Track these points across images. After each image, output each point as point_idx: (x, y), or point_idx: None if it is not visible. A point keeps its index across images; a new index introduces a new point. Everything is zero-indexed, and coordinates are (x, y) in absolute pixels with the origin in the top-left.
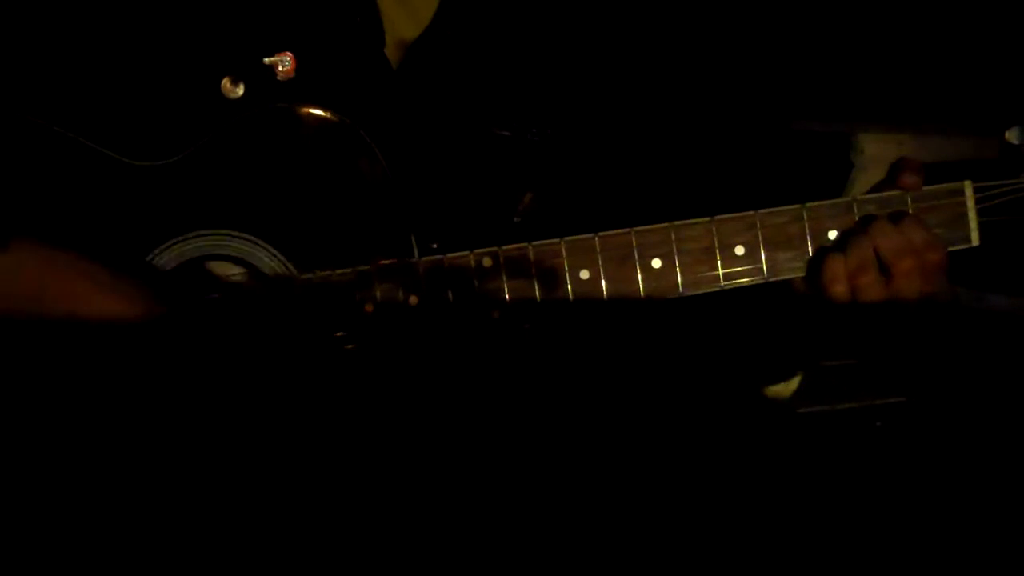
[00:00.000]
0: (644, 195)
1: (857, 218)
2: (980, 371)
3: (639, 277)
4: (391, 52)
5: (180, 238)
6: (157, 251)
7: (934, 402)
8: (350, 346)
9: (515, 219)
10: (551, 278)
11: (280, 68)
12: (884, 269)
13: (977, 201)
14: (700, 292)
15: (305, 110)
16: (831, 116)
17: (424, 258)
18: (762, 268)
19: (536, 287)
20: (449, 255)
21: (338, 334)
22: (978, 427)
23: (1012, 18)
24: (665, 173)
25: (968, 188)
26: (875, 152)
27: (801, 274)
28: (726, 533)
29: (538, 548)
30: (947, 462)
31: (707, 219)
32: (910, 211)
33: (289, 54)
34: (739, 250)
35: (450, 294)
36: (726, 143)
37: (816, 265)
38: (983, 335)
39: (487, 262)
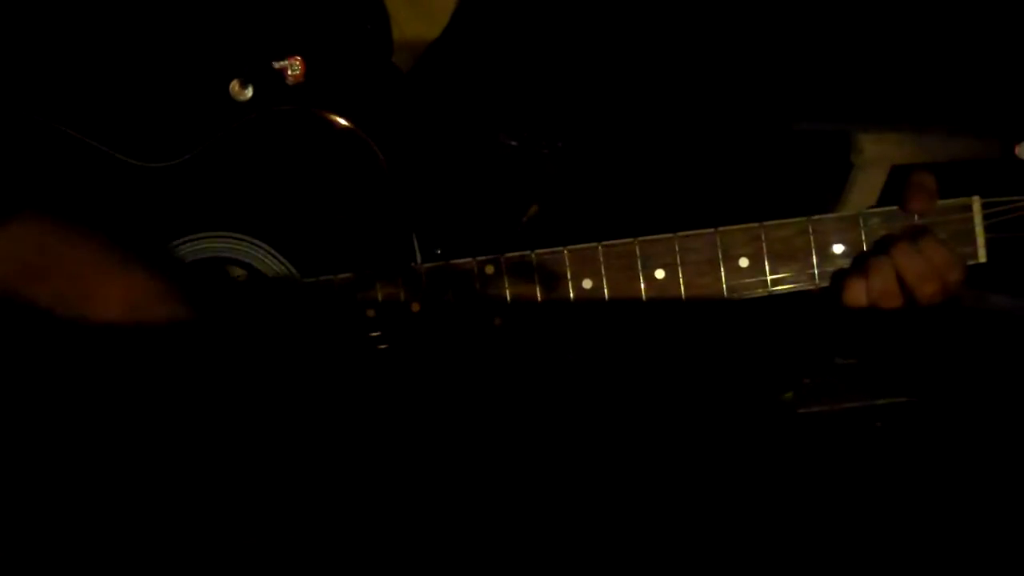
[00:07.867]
0: (649, 208)
1: (863, 232)
2: (982, 371)
3: (642, 287)
4: (401, 56)
5: (183, 240)
6: None
7: (935, 402)
8: (383, 346)
9: (519, 229)
10: (554, 287)
11: (290, 72)
12: (906, 290)
13: (985, 217)
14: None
15: (312, 114)
16: (831, 116)
17: (426, 264)
18: (766, 280)
19: (538, 295)
20: (452, 261)
21: (374, 334)
22: (979, 427)
23: (1012, 18)
24: (669, 183)
25: (976, 204)
26: (875, 152)
27: (806, 287)
28: (726, 534)
29: (539, 549)
30: (948, 462)
31: (711, 230)
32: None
33: (299, 58)
34: (743, 262)
35: (452, 300)
36: (728, 145)
37: (837, 286)
38: (985, 335)
39: (489, 269)
